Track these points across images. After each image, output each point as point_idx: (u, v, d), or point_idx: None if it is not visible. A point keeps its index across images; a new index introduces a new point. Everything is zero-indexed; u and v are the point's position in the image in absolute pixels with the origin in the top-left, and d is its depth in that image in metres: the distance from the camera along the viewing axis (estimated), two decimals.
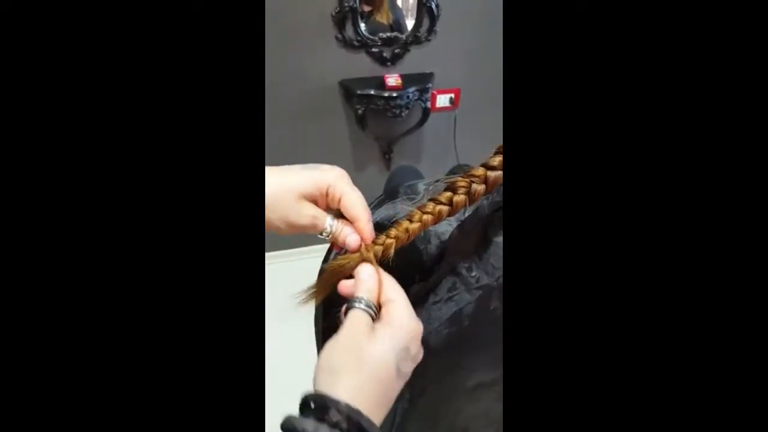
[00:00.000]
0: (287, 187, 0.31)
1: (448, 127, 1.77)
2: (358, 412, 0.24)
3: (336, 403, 0.24)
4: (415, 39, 1.56)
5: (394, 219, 0.37)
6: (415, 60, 1.61)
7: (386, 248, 0.32)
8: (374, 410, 0.26)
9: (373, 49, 1.55)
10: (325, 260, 0.47)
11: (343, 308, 0.30)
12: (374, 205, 0.43)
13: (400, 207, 0.39)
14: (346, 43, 1.51)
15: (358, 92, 1.52)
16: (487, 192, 0.31)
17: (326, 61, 1.53)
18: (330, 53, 1.52)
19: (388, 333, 0.28)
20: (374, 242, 0.33)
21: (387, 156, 1.80)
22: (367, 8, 1.49)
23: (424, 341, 0.37)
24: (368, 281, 0.31)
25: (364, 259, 0.32)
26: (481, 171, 0.30)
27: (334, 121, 1.67)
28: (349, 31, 1.49)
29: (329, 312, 0.39)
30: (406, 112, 1.58)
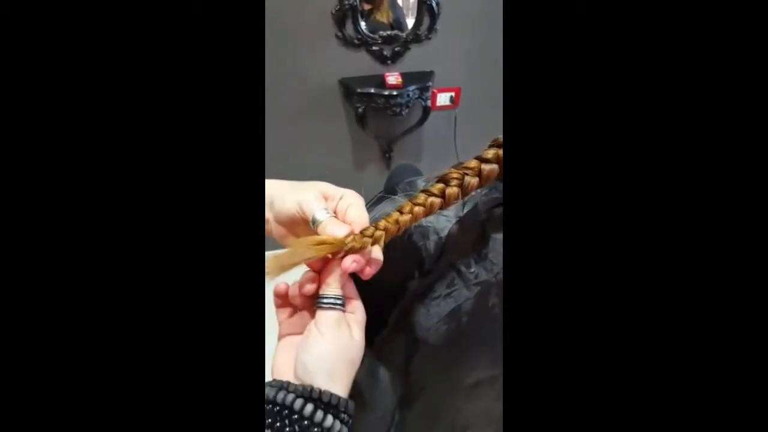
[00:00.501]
0: (273, 187, 0.32)
1: (449, 126, 1.77)
2: (331, 394, 0.28)
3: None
4: (416, 37, 1.56)
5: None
6: (416, 58, 1.61)
7: (375, 240, 0.30)
8: (344, 390, 0.29)
9: (374, 48, 1.54)
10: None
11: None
12: (373, 202, 0.43)
13: (398, 203, 0.39)
14: (346, 42, 1.51)
15: (358, 91, 1.52)
16: (480, 185, 0.30)
17: (326, 60, 1.53)
18: (330, 51, 1.52)
19: (355, 324, 0.31)
20: (363, 233, 0.31)
21: (387, 155, 1.80)
22: (367, 6, 1.49)
23: (423, 338, 0.37)
24: (338, 279, 0.31)
25: (350, 248, 0.30)
26: (474, 163, 0.30)
27: (334, 120, 1.67)
28: (349, 30, 1.49)
29: None
30: (407, 110, 1.58)
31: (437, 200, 0.30)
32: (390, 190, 0.44)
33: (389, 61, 1.59)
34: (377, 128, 1.69)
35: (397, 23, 1.55)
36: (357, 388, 0.34)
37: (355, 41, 1.51)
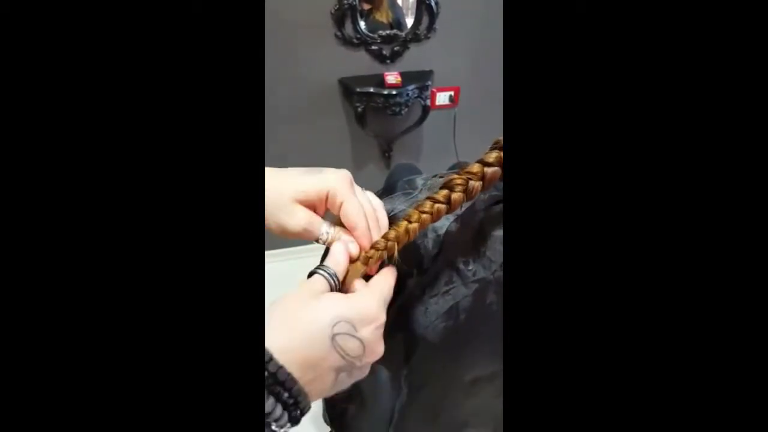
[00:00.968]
0: (281, 191, 0.30)
1: (448, 125, 1.77)
2: (270, 357, 0.24)
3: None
4: (415, 36, 1.56)
5: (392, 213, 0.37)
6: (415, 58, 1.61)
7: (389, 251, 0.32)
8: (297, 371, 0.25)
9: (373, 47, 1.54)
10: (322, 261, 0.48)
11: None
12: None
13: (397, 202, 0.39)
14: (346, 41, 1.51)
15: (358, 90, 1.52)
16: (484, 188, 0.31)
17: (325, 59, 1.53)
18: (329, 51, 1.52)
19: (336, 301, 0.27)
20: (375, 247, 0.32)
21: (386, 154, 1.80)
22: (366, 6, 1.49)
23: (422, 336, 0.37)
24: (337, 255, 0.31)
25: (366, 268, 0.31)
26: (477, 168, 0.30)
27: (333, 119, 1.67)
28: (349, 29, 1.49)
29: None
30: (406, 110, 1.57)
31: (443, 207, 0.31)
32: (389, 189, 0.44)
33: (388, 61, 1.59)
34: (377, 127, 1.69)
35: (397, 22, 1.55)
36: (357, 387, 0.34)
37: (355, 41, 1.51)
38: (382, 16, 1.53)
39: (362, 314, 0.28)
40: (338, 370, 0.27)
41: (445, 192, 0.31)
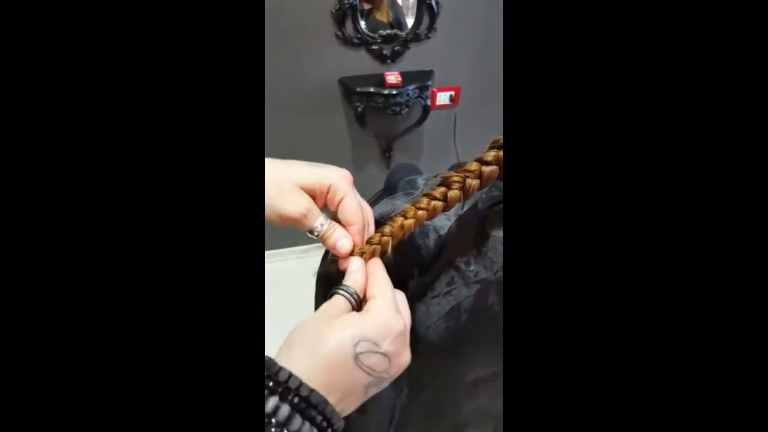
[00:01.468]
0: (286, 176, 0.31)
1: (448, 125, 1.77)
2: (300, 382, 0.24)
3: (279, 371, 0.24)
4: (415, 36, 1.56)
5: (393, 214, 0.37)
6: (415, 57, 1.61)
7: (383, 246, 0.32)
8: (327, 393, 0.25)
9: (373, 47, 1.54)
10: (323, 263, 0.48)
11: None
12: (372, 201, 0.43)
13: (398, 202, 0.39)
14: (346, 41, 1.51)
15: (358, 90, 1.52)
16: (481, 187, 0.31)
17: (326, 59, 1.53)
18: (329, 51, 1.52)
19: (355, 321, 0.28)
20: (369, 241, 0.32)
21: (387, 154, 1.80)
22: (366, 6, 1.49)
23: (423, 336, 0.37)
24: (356, 273, 0.31)
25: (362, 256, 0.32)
26: (475, 166, 0.30)
27: (333, 119, 1.67)
28: (349, 29, 1.49)
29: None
30: (406, 109, 1.58)
31: (439, 204, 0.31)
32: (390, 189, 0.44)
33: (389, 60, 1.59)
34: (377, 127, 1.69)
35: (397, 22, 1.55)
36: None
37: (355, 40, 1.51)
38: (383, 16, 1.53)
39: (380, 329, 0.28)
40: (368, 386, 0.28)
41: (441, 189, 0.31)
